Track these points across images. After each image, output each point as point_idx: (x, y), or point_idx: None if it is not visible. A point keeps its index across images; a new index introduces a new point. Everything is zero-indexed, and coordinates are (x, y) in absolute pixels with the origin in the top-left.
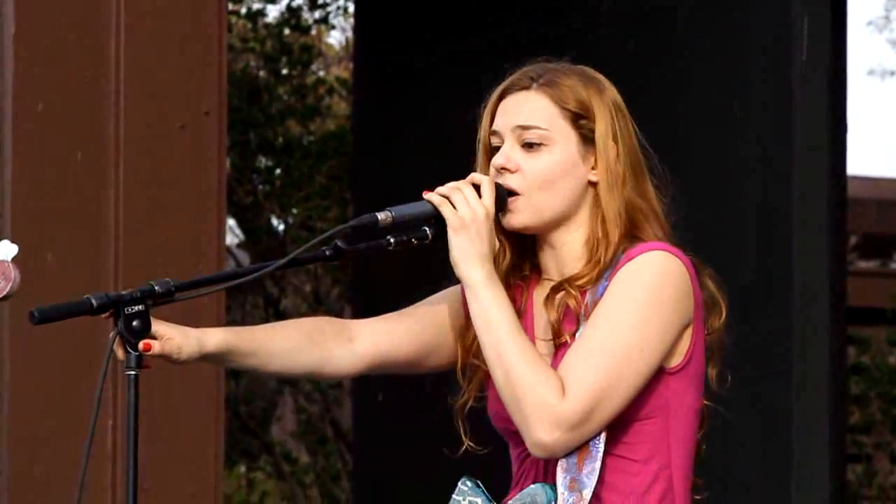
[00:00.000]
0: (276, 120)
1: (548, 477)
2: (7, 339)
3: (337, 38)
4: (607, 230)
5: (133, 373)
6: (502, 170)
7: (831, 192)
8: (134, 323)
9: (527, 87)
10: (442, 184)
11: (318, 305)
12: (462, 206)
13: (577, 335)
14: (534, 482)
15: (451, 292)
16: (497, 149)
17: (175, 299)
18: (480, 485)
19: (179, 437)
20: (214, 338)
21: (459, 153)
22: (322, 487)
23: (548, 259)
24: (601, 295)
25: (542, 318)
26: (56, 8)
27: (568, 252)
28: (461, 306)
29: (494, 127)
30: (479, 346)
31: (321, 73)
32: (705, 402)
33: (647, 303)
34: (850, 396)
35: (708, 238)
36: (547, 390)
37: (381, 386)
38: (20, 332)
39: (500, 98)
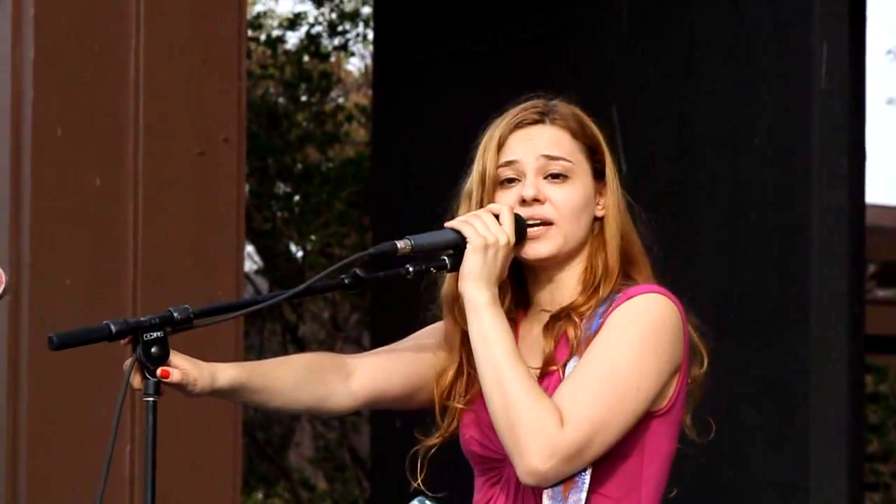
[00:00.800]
0: (295, 146)
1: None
2: (25, 365)
3: (356, 64)
4: (608, 263)
5: (151, 399)
6: (533, 201)
7: (850, 220)
8: (152, 349)
9: (540, 122)
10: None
11: (336, 332)
12: (484, 229)
13: (567, 365)
14: None
15: (435, 329)
16: (509, 181)
17: (194, 326)
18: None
19: (197, 463)
20: (226, 374)
21: None
22: None
23: (543, 292)
24: (595, 330)
25: (531, 348)
26: (76, 34)
27: (565, 285)
28: (442, 347)
29: (512, 157)
30: (456, 388)
31: (340, 100)
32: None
33: (646, 343)
34: (868, 425)
35: (726, 266)
36: (546, 418)
37: (398, 413)
38: (38, 356)
39: (511, 131)
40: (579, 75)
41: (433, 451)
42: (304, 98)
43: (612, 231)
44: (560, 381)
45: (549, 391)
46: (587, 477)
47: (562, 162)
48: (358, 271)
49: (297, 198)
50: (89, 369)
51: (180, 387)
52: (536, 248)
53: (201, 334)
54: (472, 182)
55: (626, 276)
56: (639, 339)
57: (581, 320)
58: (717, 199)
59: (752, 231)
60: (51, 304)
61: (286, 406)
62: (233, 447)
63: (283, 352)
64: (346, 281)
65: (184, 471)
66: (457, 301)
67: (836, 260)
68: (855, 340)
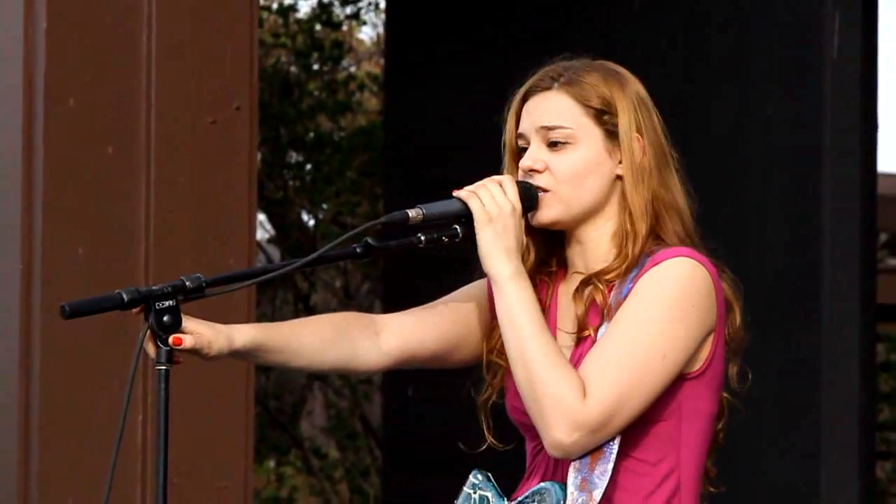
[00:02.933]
0: (307, 115)
1: (557, 474)
2: (38, 334)
3: (368, 33)
4: (634, 224)
5: (164, 368)
6: (531, 171)
7: (861, 190)
8: (164, 318)
9: (549, 88)
10: (474, 179)
11: (348, 300)
12: (488, 201)
13: (599, 330)
14: (542, 478)
15: (477, 286)
16: (524, 150)
17: (205, 295)
18: (491, 478)
19: (209, 432)
20: (244, 334)
21: (490, 148)
22: (351, 483)
23: (575, 254)
24: (625, 295)
25: (567, 311)
26: (88, 4)
27: (596, 247)
28: (487, 301)
29: (520, 130)
30: (502, 343)
31: (352, 69)
32: (727, 396)
33: (672, 310)
34: (879, 394)
35: (736, 236)
36: (568, 392)
37: (410, 381)
38: (51, 326)
39: (524, 100)
40: (590, 46)
41: (490, 405)
42: (316, 67)
43: (631, 190)
44: (592, 344)
45: (580, 355)
46: (615, 447)
47: (559, 130)
48: (369, 240)
49: (309, 166)
50: (101, 338)
51: (195, 351)
52: (539, 216)
53: (213, 303)
54: (504, 148)
55: (656, 237)
56: (665, 306)
57: (611, 286)
58: (727, 171)
59: (764, 202)
60: (63, 273)
61: (311, 365)
62: (245, 416)
63: None
64: (357, 250)
65: (196, 440)
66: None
67: (847, 230)
68: (866, 310)
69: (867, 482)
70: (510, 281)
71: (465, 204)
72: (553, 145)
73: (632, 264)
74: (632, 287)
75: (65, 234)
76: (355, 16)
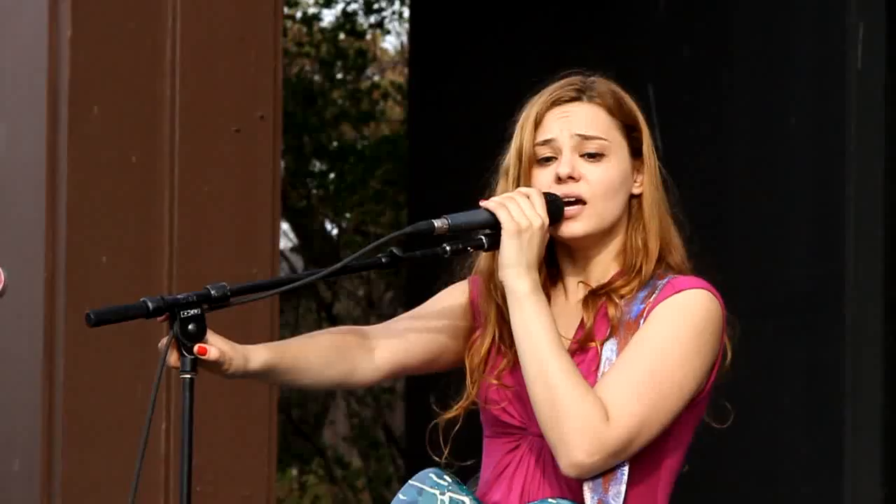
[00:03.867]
0: (331, 124)
1: (536, 480)
2: (62, 342)
3: (392, 42)
4: (647, 242)
5: (188, 376)
6: (568, 179)
7: (885, 197)
8: (189, 327)
9: (579, 99)
10: (498, 190)
11: (371, 309)
12: (518, 213)
13: (605, 344)
14: (525, 481)
15: (458, 291)
16: (546, 159)
17: (231, 304)
18: (459, 480)
19: (232, 440)
20: (259, 356)
21: None
22: (374, 492)
23: (576, 267)
24: (636, 316)
25: (558, 317)
26: (112, 12)
27: (601, 261)
28: (469, 307)
29: (549, 136)
30: (487, 363)
31: (376, 78)
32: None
33: (692, 341)
34: None
35: (762, 240)
36: (593, 414)
37: (433, 390)
38: (75, 334)
39: (548, 109)
40: (614, 53)
41: (458, 425)
42: (339, 76)
43: (649, 209)
44: (597, 357)
45: (584, 366)
46: (626, 469)
47: (597, 141)
48: (395, 250)
49: (332, 175)
50: (126, 347)
51: (216, 365)
52: (572, 228)
53: (237, 312)
54: (509, 159)
55: (662, 260)
56: (686, 338)
57: (621, 301)
58: (751, 181)
59: (788, 212)
60: (87, 281)
61: (315, 383)
62: (268, 424)
63: (318, 329)
64: (382, 260)
65: (219, 448)
66: (492, 279)
67: (871, 239)
68: (891, 314)
69: (891, 489)
70: (530, 297)
71: (491, 214)
72: (589, 156)
73: (642, 283)
74: (643, 308)
75: (89, 243)
76: (379, 25)
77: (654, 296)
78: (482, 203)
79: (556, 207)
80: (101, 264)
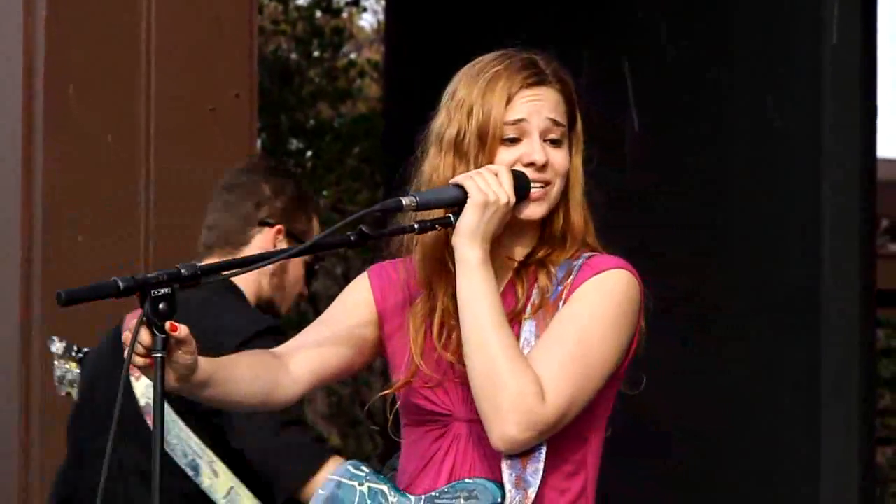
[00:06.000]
0: (307, 102)
1: (467, 466)
2: (38, 321)
3: (368, 20)
4: (571, 218)
5: (159, 355)
6: (531, 164)
7: (861, 175)
8: (160, 306)
9: (543, 82)
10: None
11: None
12: (486, 186)
13: (524, 324)
14: (452, 470)
15: (359, 287)
16: (511, 140)
17: (201, 283)
18: (376, 471)
19: None
20: (205, 360)
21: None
22: None
23: (497, 242)
24: (554, 298)
25: None
26: None
27: (525, 236)
28: (374, 302)
29: (519, 116)
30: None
31: (352, 56)
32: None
33: (615, 321)
34: (880, 379)
35: (761, 240)
36: (529, 390)
37: None
38: (50, 313)
39: (518, 90)
40: (614, 52)
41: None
42: (316, 54)
43: (575, 181)
44: (516, 332)
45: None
46: (544, 449)
47: (561, 128)
48: (364, 228)
49: (309, 153)
50: (102, 327)
51: (184, 345)
52: (534, 209)
53: None
54: (467, 134)
55: (582, 235)
56: (609, 317)
57: (554, 269)
58: (751, 181)
59: (788, 212)
60: (63, 261)
61: (244, 399)
62: None
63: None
64: (352, 237)
65: None
66: (446, 250)
67: (847, 215)
68: (867, 296)
69: (867, 468)
70: (480, 267)
71: (459, 191)
72: (552, 142)
73: (558, 261)
74: (562, 290)
75: (65, 222)
76: (355, 2)
77: (571, 276)
78: (451, 179)
79: (523, 186)
80: (77, 244)
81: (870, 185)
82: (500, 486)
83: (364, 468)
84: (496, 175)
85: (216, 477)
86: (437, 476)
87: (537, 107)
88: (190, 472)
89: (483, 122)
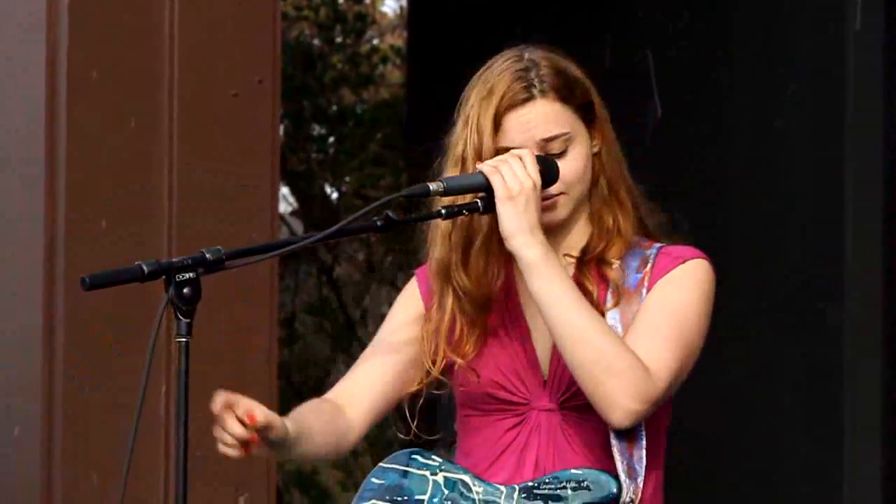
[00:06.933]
0: (330, 88)
1: (558, 453)
2: (61, 306)
3: (391, 6)
4: (618, 194)
5: (183, 340)
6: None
7: (884, 163)
8: (185, 290)
9: (531, 97)
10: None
11: (371, 273)
12: (510, 177)
13: (608, 315)
14: (538, 458)
15: (406, 302)
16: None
17: (225, 267)
18: (449, 459)
19: None
20: (287, 422)
21: None
22: (375, 456)
23: (551, 237)
24: (635, 285)
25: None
26: None
27: (576, 229)
28: (423, 311)
29: (510, 144)
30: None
31: (375, 42)
32: None
33: (702, 307)
34: None
35: (761, 240)
36: (637, 365)
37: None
38: (74, 298)
39: (504, 112)
40: (614, 53)
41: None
42: (338, 40)
43: (610, 163)
44: None
45: None
46: (643, 433)
47: (560, 138)
48: (390, 213)
49: (332, 139)
50: (125, 311)
51: (267, 429)
52: (552, 216)
53: (238, 276)
54: (468, 153)
55: (638, 220)
56: (699, 303)
57: (616, 263)
58: (751, 181)
59: (788, 212)
60: (86, 246)
61: (319, 452)
62: (268, 389)
63: (318, 293)
64: (378, 223)
65: None
66: (494, 237)
67: (871, 239)
68: (890, 296)
69: (889, 464)
70: (544, 263)
71: (486, 177)
72: (555, 154)
73: (628, 242)
74: (642, 278)
75: (88, 207)
76: None
77: (649, 265)
78: (478, 166)
79: (550, 169)
80: (100, 229)
81: (892, 169)
82: (613, 476)
83: (434, 457)
84: (520, 159)
85: None
86: (519, 465)
87: (527, 128)
88: None
89: (477, 146)
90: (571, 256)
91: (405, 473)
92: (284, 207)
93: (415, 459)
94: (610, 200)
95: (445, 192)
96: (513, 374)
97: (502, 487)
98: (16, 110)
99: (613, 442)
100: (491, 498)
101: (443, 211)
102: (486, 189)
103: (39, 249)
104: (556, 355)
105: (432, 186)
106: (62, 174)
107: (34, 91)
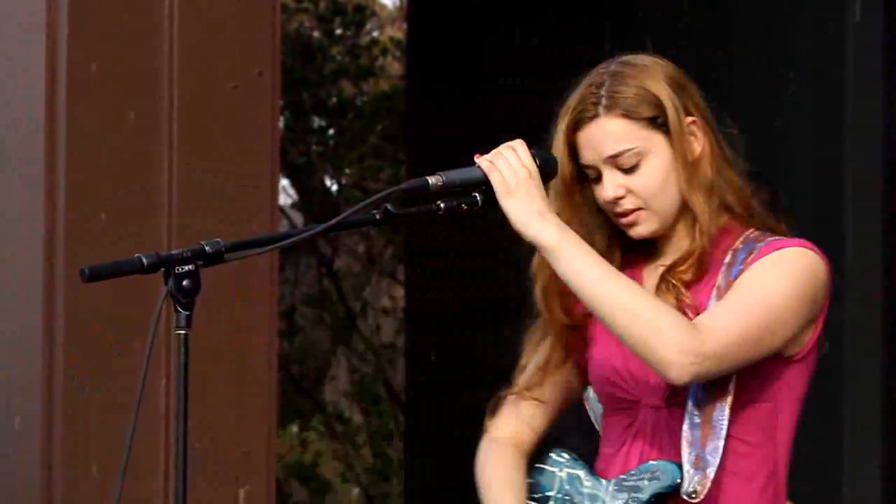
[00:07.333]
0: (330, 80)
1: (655, 448)
2: (61, 299)
3: None
4: (720, 196)
5: (183, 332)
6: (616, 200)
7: (884, 154)
8: (184, 282)
9: (596, 115)
10: (495, 145)
11: (371, 265)
12: (506, 171)
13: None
14: (643, 452)
15: (541, 329)
16: (595, 178)
17: (225, 260)
18: (578, 456)
19: (233, 397)
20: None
21: (512, 113)
22: (375, 447)
23: (661, 246)
24: (735, 275)
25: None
26: None
27: (676, 240)
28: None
29: (584, 161)
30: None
31: (375, 34)
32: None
33: (792, 287)
34: None
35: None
36: (680, 322)
37: (433, 346)
38: (74, 291)
39: (574, 130)
40: (591, 31)
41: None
42: (338, 32)
43: (707, 172)
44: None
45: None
46: (724, 422)
47: (627, 153)
48: (389, 206)
49: (331, 132)
50: (125, 303)
51: None
52: (636, 232)
53: (237, 269)
54: (559, 176)
55: (749, 214)
56: (788, 280)
57: (718, 266)
58: (750, 146)
59: (785, 176)
60: (86, 238)
61: None
62: (268, 381)
63: (318, 285)
64: (377, 216)
65: (219, 405)
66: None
67: (870, 239)
68: (890, 292)
69: (889, 464)
70: (563, 244)
71: (485, 173)
72: (627, 170)
73: (707, 242)
74: (742, 269)
75: (87, 206)
76: None
77: (752, 255)
78: (476, 159)
79: (547, 162)
80: (99, 221)
81: (891, 159)
82: (678, 465)
83: (565, 454)
84: (514, 150)
85: None
86: (626, 460)
87: (592, 146)
88: None
89: (561, 169)
90: (678, 270)
91: (542, 471)
92: (285, 200)
93: (550, 457)
94: (710, 206)
95: (445, 186)
96: (614, 372)
97: (603, 481)
98: (16, 110)
99: (685, 432)
100: (595, 491)
101: (441, 205)
102: (486, 183)
103: (39, 249)
104: None
105: (431, 180)
106: (62, 173)
107: (34, 91)
